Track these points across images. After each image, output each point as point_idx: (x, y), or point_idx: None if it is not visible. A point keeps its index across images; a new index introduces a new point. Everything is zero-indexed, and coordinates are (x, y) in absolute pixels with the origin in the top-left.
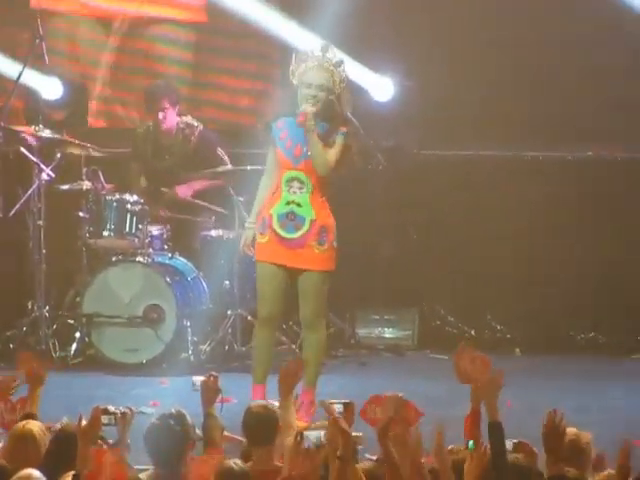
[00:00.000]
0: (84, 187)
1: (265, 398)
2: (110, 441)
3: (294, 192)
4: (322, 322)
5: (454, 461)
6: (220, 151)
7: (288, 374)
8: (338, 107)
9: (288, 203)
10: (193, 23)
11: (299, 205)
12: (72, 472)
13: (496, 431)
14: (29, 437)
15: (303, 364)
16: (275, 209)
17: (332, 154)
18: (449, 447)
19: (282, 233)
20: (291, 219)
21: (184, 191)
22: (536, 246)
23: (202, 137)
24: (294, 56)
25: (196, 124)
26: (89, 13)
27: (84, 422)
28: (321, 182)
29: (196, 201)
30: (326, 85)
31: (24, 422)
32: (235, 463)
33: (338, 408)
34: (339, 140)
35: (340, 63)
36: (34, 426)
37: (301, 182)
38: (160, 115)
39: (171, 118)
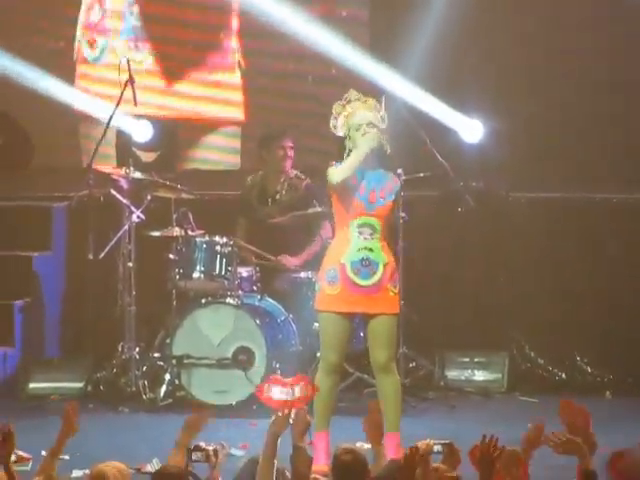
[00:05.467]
0: (174, 233)
1: (329, 445)
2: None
3: (365, 238)
4: (394, 365)
5: None
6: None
7: (373, 421)
8: (387, 147)
9: (360, 250)
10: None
11: (371, 250)
12: None
13: None
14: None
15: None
16: (347, 257)
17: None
18: None
19: (357, 280)
20: (365, 265)
21: (293, 262)
22: (626, 288)
23: (308, 189)
24: (333, 110)
25: (303, 177)
26: None
27: None
28: (387, 227)
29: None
30: (374, 122)
31: (102, 464)
32: None
33: (437, 448)
34: (398, 189)
35: (375, 104)
36: (112, 468)
37: (372, 228)
38: (289, 152)
39: (291, 160)
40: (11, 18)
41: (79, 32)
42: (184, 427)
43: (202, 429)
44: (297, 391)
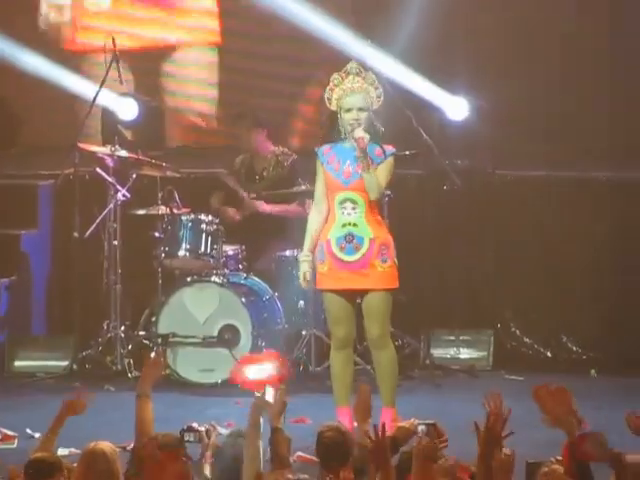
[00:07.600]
0: (159, 212)
1: (352, 419)
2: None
3: (348, 214)
4: (389, 339)
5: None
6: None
7: (361, 402)
8: (378, 123)
9: (344, 225)
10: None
11: (355, 225)
12: None
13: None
14: (100, 456)
15: (369, 390)
16: (332, 233)
17: (383, 177)
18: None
19: (342, 256)
20: (349, 241)
21: (264, 208)
22: (611, 267)
23: (293, 166)
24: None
25: (290, 153)
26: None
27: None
28: (374, 200)
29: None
30: (365, 106)
31: (93, 443)
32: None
33: (422, 429)
34: (390, 160)
35: (374, 81)
36: (105, 446)
37: (354, 202)
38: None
39: (263, 145)
40: None
41: None
42: (61, 410)
43: (81, 412)
44: (272, 369)
